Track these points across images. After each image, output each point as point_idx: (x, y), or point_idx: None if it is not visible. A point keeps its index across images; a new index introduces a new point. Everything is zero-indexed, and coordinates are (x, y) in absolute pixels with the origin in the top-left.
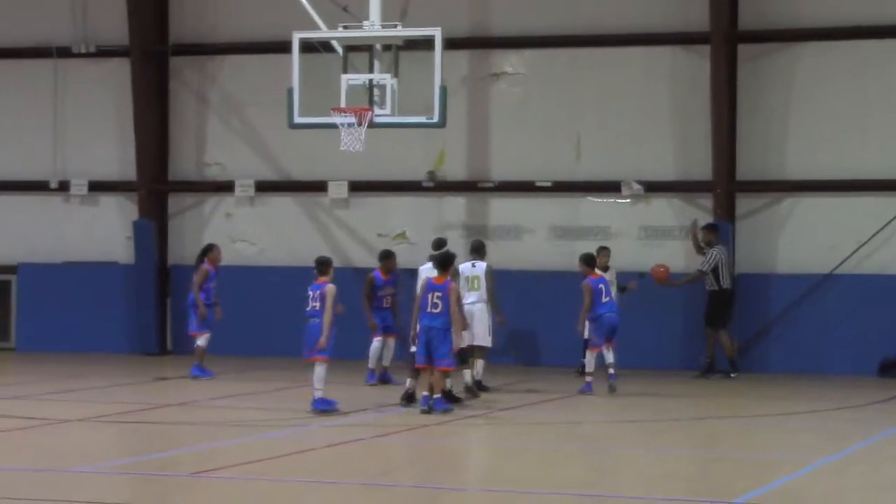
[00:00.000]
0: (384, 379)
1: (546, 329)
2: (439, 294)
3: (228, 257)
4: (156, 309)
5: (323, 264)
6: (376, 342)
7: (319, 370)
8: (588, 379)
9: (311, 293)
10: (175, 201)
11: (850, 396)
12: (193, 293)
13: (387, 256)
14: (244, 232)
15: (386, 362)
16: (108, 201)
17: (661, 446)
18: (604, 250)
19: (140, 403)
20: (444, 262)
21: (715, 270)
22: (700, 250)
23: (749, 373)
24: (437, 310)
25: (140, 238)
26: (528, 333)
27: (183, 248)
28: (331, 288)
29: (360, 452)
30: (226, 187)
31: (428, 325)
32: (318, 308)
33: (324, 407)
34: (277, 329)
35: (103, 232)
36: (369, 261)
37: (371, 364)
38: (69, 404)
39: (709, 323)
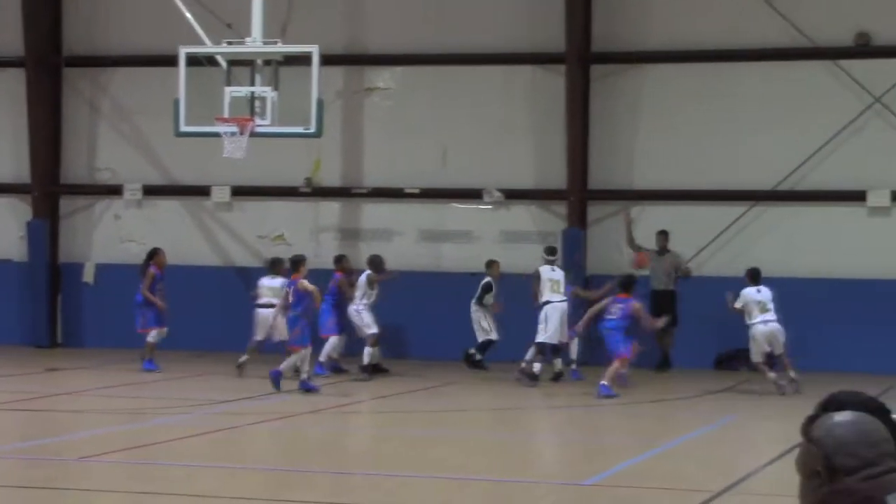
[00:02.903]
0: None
1: (413, 324)
2: None
3: (117, 257)
4: (47, 304)
5: (296, 262)
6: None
7: (296, 357)
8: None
9: (288, 289)
10: (67, 203)
11: (690, 387)
12: (142, 294)
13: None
14: (132, 233)
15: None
16: (3, 202)
17: (517, 432)
18: (494, 263)
19: (30, 392)
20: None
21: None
22: (633, 242)
23: (598, 366)
24: None
25: (33, 237)
26: (397, 328)
27: (74, 247)
28: (304, 283)
29: (239, 438)
30: (115, 191)
31: None
32: (293, 302)
33: (312, 387)
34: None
35: None
36: (251, 261)
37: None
38: None
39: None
